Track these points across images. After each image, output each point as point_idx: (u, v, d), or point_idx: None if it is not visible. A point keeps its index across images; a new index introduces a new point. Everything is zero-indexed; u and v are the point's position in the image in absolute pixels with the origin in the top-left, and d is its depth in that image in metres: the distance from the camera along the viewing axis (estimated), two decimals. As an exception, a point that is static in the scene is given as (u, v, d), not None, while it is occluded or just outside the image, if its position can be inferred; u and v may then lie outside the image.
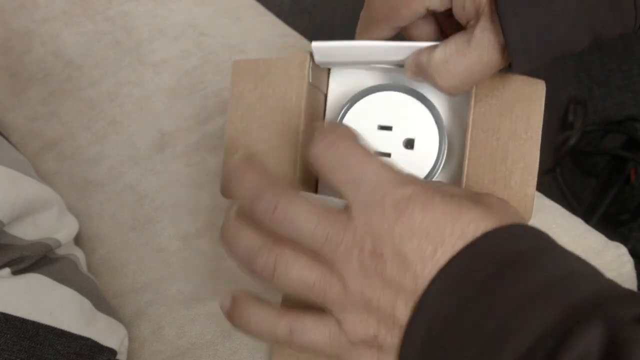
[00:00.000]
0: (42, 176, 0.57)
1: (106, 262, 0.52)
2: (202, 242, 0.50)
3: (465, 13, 0.34)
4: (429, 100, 0.40)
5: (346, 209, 0.31)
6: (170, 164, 0.55)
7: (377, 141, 0.39)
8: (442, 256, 0.30)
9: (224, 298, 0.33)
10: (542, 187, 0.42)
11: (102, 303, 0.46)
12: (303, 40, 0.68)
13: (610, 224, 0.96)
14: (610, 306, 0.27)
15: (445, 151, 0.39)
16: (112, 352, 0.43)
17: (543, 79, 0.39)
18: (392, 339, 0.31)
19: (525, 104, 0.38)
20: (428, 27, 0.40)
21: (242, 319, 0.32)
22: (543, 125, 0.38)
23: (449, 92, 0.36)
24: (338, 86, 0.43)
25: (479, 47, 0.34)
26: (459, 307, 0.29)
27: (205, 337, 0.44)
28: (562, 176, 1.00)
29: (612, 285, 0.30)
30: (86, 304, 0.43)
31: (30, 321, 0.39)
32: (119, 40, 0.64)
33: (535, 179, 0.38)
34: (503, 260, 0.29)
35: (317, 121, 0.42)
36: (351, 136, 0.32)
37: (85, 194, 0.56)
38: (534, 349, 0.27)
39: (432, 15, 0.39)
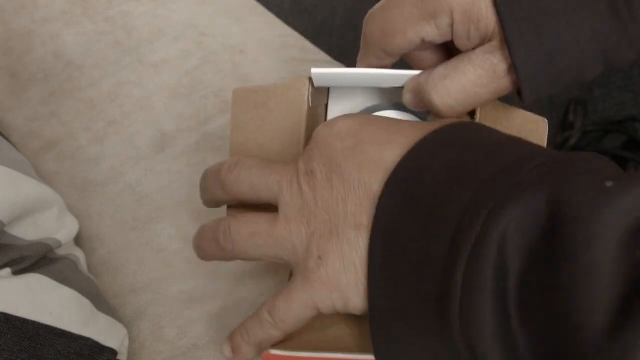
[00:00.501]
0: (42, 176, 0.57)
1: (106, 262, 0.52)
2: (202, 242, 0.50)
3: (469, 42, 0.34)
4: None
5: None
6: (170, 164, 0.55)
7: None
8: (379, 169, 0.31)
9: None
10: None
11: (102, 303, 0.46)
12: (303, 41, 0.68)
13: (610, 224, 0.96)
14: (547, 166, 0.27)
15: None
16: (112, 352, 0.43)
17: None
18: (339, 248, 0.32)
19: None
20: (434, 58, 0.38)
21: None
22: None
23: (442, 111, 0.35)
24: (337, 102, 0.43)
25: (478, 68, 0.33)
26: (403, 203, 0.29)
27: (205, 338, 0.44)
28: (562, 176, 1.00)
29: (548, 151, 0.29)
30: (86, 304, 0.43)
31: (31, 321, 0.39)
32: (119, 40, 0.64)
33: None
34: (441, 147, 0.30)
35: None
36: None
37: (85, 194, 0.56)
38: (468, 212, 0.26)
39: (438, 46, 0.38)
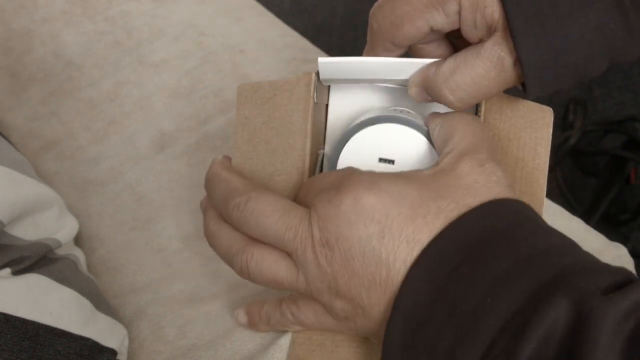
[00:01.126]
0: (42, 176, 0.57)
1: (106, 262, 0.52)
2: (202, 242, 0.50)
3: (476, 31, 0.34)
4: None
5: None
6: (170, 164, 0.55)
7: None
8: (409, 247, 0.31)
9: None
10: (542, 187, 0.42)
11: (102, 303, 0.46)
12: (303, 41, 0.68)
13: (610, 224, 0.96)
14: (575, 279, 0.27)
15: None
16: (112, 353, 0.43)
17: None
18: (367, 322, 0.33)
19: (533, 131, 0.38)
20: (441, 50, 0.38)
21: None
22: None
23: (455, 105, 0.35)
24: (339, 100, 0.43)
25: (487, 61, 0.33)
26: (432, 297, 0.29)
27: (205, 338, 0.44)
28: (562, 176, 1.00)
29: (584, 259, 0.30)
30: (86, 304, 0.43)
31: (31, 321, 0.39)
32: (119, 40, 0.64)
33: (543, 207, 0.37)
34: (474, 242, 0.30)
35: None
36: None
37: (85, 194, 0.56)
38: (504, 330, 0.27)
39: (445, 37, 0.38)
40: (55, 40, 0.65)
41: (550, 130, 0.38)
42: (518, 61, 0.32)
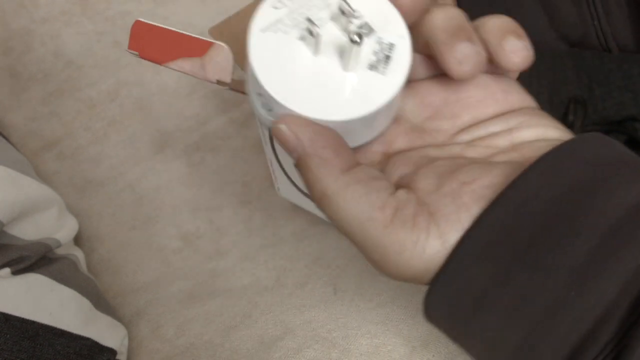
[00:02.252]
0: (42, 176, 0.57)
1: (106, 262, 0.52)
2: (202, 241, 0.50)
3: None
4: None
5: None
6: (170, 164, 0.56)
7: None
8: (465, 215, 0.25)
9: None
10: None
11: (102, 303, 0.46)
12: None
13: (610, 224, 0.96)
14: None
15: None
16: (112, 352, 0.43)
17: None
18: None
19: None
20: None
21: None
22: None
23: None
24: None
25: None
26: (492, 283, 0.24)
27: (204, 337, 0.44)
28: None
29: None
30: (86, 304, 0.44)
31: (30, 321, 0.39)
32: (119, 40, 0.64)
33: None
34: (545, 210, 0.24)
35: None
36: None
37: (85, 194, 0.56)
38: (598, 329, 0.22)
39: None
40: (55, 40, 0.65)
41: None
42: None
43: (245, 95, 0.31)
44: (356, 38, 0.25)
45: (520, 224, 0.24)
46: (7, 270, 0.40)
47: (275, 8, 0.27)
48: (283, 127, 0.26)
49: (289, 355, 0.40)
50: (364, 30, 0.26)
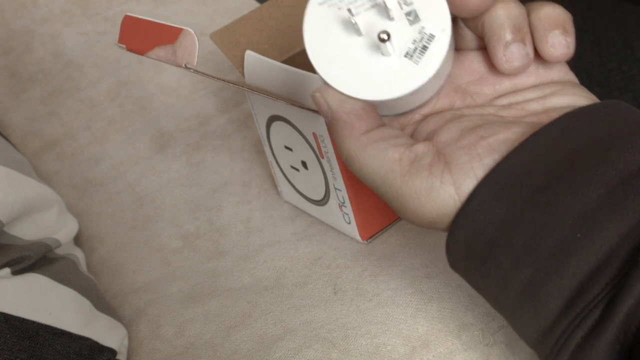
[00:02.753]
0: (42, 176, 0.57)
1: (106, 262, 0.52)
2: (202, 241, 0.50)
3: None
4: None
5: None
6: (170, 164, 0.56)
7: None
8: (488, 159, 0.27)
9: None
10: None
11: (101, 303, 0.46)
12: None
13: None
14: None
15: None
16: (112, 352, 0.43)
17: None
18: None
19: None
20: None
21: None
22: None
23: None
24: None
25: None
26: (507, 221, 0.26)
27: (204, 337, 0.44)
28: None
29: None
30: (86, 304, 0.44)
31: (30, 321, 0.39)
32: (119, 40, 0.64)
33: None
34: (562, 159, 0.26)
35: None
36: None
37: (85, 194, 0.56)
38: (596, 275, 0.24)
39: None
40: (55, 40, 0.65)
41: None
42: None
43: (222, 82, 0.35)
44: (384, 36, 0.27)
45: (536, 170, 0.26)
46: (7, 270, 0.40)
47: None
48: (317, 94, 0.30)
49: (289, 355, 0.40)
50: (408, 16, 0.28)
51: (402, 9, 0.28)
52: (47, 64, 0.64)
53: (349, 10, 0.28)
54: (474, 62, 0.32)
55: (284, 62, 0.45)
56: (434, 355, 0.39)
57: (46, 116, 0.61)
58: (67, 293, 0.42)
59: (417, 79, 0.28)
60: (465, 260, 0.28)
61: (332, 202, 0.44)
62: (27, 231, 0.45)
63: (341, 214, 0.44)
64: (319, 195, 0.45)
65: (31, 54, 0.65)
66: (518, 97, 0.31)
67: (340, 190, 0.42)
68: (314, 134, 0.41)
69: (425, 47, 0.28)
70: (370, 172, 0.29)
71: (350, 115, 0.29)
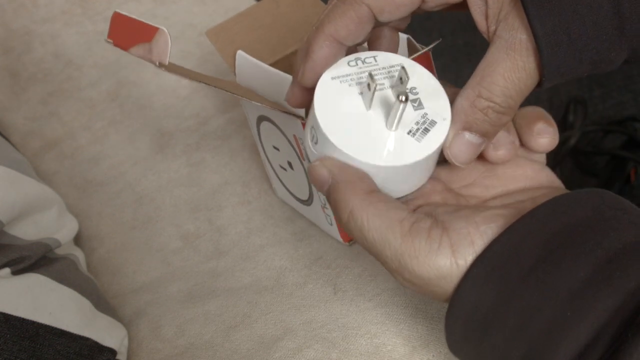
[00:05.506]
0: (42, 176, 0.57)
1: (106, 262, 0.52)
2: (202, 241, 0.50)
3: (487, 9, 0.30)
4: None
5: None
6: (170, 164, 0.56)
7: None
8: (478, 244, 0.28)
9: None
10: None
11: (102, 303, 0.46)
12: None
13: (610, 224, 0.96)
14: None
15: None
16: (112, 352, 0.43)
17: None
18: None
19: None
20: (391, 39, 0.34)
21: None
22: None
23: (501, 115, 0.31)
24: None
25: (510, 51, 0.30)
26: (499, 301, 0.27)
27: (204, 337, 0.44)
28: (562, 176, 1.00)
29: None
30: (86, 304, 0.44)
31: (30, 321, 0.39)
32: (119, 40, 0.64)
33: None
34: (550, 239, 0.27)
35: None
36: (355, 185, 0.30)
37: (85, 194, 0.56)
38: (591, 347, 0.25)
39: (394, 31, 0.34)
40: (55, 40, 0.65)
41: None
42: (533, 37, 0.29)
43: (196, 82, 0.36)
44: (403, 98, 0.29)
45: (526, 250, 0.27)
46: (7, 270, 0.40)
47: (349, 65, 0.32)
48: (318, 163, 0.30)
49: (289, 355, 0.40)
50: (413, 102, 0.31)
51: (407, 95, 0.30)
52: (47, 64, 0.64)
53: (371, 75, 0.30)
54: (468, 168, 0.33)
55: (278, 61, 0.45)
56: (434, 355, 0.39)
57: (46, 116, 0.61)
58: (67, 293, 0.42)
59: (418, 153, 0.30)
60: (464, 341, 0.29)
61: (316, 203, 0.44)
62: (27, 231, 0.45)
63: (324, 215, 0.45)
64: (305, 195, 0.46)
65: (31, 54, 0.65)
66: (510, 199, 0.32)
67: (321, 193, 0.43)
68: (294, 135, 0.42)
69: (427, 130, 0.30)
70: (372, 229, 0.29)
71: (353, 177, 0.30)
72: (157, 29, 0.35)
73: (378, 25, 0.32)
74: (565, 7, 0.29)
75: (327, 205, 0.43)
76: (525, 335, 0.26)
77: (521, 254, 0.27)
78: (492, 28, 0.31)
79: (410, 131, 0.30)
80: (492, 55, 0.30)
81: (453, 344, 0.30)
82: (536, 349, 0.26)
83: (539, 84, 0.31)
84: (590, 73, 0.31)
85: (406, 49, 0.41)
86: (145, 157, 0.56)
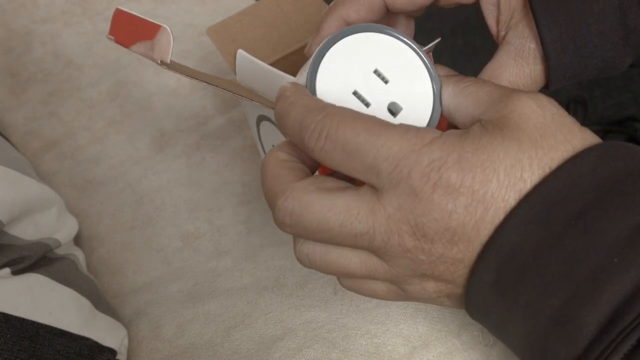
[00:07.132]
0: (42, 176, 0.57)
1: (106, 262, 0.52)
2: (202, 241, 0.50)
3: (498, 14, 0.32)
4: (430, 64, 0.31)
5: (374, 191, 0.28)
6: (170, 164, 0.56)
7: (366, 88, 0.31)
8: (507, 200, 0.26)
9: None
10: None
11: (102, 303, 0.46)
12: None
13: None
14: None
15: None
16: (112, 352, 0.43)
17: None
18: (456, 289, 0.29)
19: None
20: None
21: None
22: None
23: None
24: None
25: (518, 58, 0.31)
26: (543, 244, 0.26)
27: (204, 337, 0.44)
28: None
29: None
30: (86, 304, 0.44)
31: (30, 321, 0.39)
32: (119, 40, 0.64)
33: None
34: (600, 185, 0.26)
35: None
36: (342, 112, 0.28)
37: (85, 194, 0.56)
38: (637, 295, 0.24)
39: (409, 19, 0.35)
40: (55, 40, 0.65)
41: None
42: (541, 44, 0.30)
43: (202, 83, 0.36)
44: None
45: (574, 195, 0.26)
46: (7, 270, 0.40)
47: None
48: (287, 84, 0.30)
49: (289, 355, 0.40)
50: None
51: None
52: (47, 64, 0.64)
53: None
54: None
55: (278, 60, 0.46)
56: (434, 355, 0.39)
57: (46, 116, 0.61)
58: (67, 293, 0.42)
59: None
60: (493, 288, 0.27)
61: None
62: (27, 231, 0.45)
63: None
64: None
65: (31, 54, 0.65)
66: None
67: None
68: None
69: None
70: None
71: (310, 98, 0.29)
72: (159, 26, 0.35)
73: (391, 12, 0.33)
74: (574, 17, 0.30)
75: None
76: (567, 281, 0.25)
77: (569, 198, 0.26)
78: (502, 33, 0.32)
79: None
80: (501, 59, 0.32)
81: (476, 297, 0.28)
82: (578, 295, 0.25)
83: (545, 86, 0.32)
84: (596, 77, 0.32)
85: None
86: (145, 157, 0.56)
